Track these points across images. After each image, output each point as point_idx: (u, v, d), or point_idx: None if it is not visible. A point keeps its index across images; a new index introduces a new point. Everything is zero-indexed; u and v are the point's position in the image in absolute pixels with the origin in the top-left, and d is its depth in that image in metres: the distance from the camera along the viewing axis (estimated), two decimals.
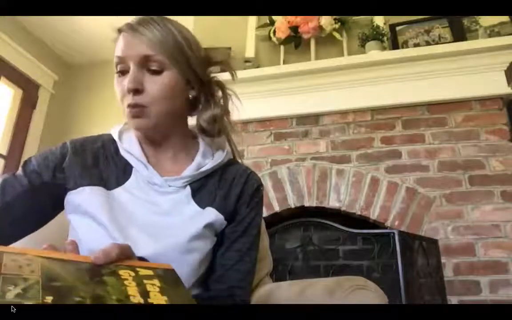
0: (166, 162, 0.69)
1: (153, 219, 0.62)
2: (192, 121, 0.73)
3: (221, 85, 0.73)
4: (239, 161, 0.77)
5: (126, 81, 0.61)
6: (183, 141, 0.71)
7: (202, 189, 0.67)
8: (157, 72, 0.62)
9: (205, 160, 0.69)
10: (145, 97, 0.62)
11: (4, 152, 2.52)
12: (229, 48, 2.12)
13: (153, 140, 0.68)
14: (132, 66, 0.61)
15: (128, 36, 0.62)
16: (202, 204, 0.65)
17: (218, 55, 0.72)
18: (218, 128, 0.71)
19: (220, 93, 0.73)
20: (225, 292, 0.63)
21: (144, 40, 0.61)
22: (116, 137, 0.69)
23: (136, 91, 0.61)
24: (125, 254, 0.42)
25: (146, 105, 0.62)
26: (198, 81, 0.69)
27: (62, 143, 0.68)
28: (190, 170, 0.67)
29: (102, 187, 0.63)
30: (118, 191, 0.63)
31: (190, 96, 0.68)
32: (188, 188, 0.66)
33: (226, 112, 0.72)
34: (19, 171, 0.63)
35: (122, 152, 0.67)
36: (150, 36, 0.62)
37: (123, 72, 0.63)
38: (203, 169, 0.67)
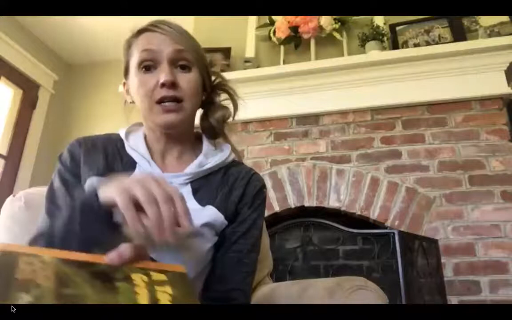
0: (171, 160, 0.70)
1: None
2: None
3: (228, 90, 0.75)
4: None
5: (162, 76, 0.62)
6: (189, 141, 0.73)
7: (203, 187, 0.67)
8: (187, 70, 0.66)
9: (207, 159, 0.70)
10: (180, 91, 0.64)
11: (4, 152, 2.52)
12: (229, 48, 2.12)
13: (169, 138, 0.69)
14: (165, 61, 0.64)
15: (156, 34, 0.65)
16: (202, 202, 0.65)
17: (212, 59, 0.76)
18: (224, 128, 0.75)
19: (223, 95, 0.76)
20: (224, 294, 0.63)
21: (174, 36, 0.65)
22: (123, 136, 0.71)
23: (173, 84, 0.63)
24: (139, 254, 0.41)
25: (183, 99, 0.64)
26: (210, 83, 0.73)
27: (72, 145, 0.68)
28: (192, 168, 0.67)
29: None
30: None
31: (203, 97, 0.73)
32: (189, 186, 0.66)
33: (234, 113, 0.75)
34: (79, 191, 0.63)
35: (128, 149, 0.69)
36: (179, 34, 0.65)
37: (148, 69, 0.65)
38: (205, 167, 0.68)
